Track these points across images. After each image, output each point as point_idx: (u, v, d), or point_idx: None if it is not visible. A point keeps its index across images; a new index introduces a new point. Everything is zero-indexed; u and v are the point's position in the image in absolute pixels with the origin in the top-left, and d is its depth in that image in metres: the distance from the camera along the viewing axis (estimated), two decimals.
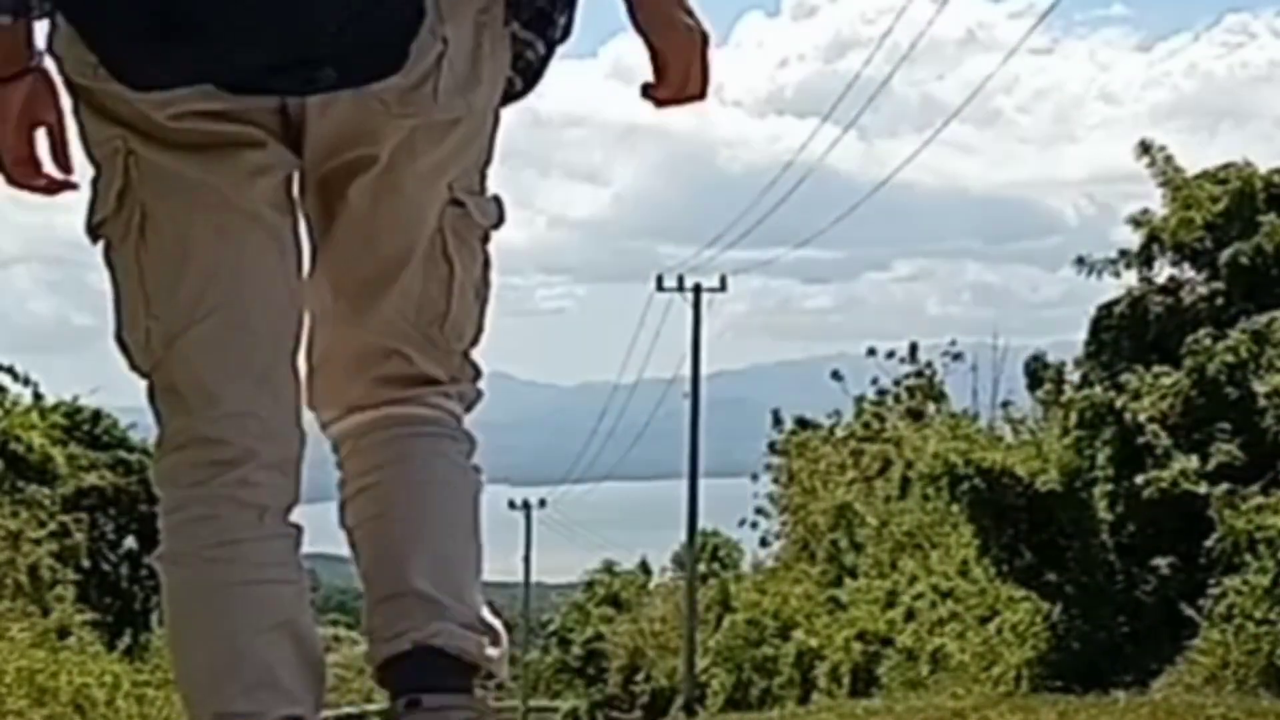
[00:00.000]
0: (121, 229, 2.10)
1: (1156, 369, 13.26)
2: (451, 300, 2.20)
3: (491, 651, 2.17)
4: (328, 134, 2.05)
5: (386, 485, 2.20)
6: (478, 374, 2.31)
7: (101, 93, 2.02)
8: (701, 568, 34.42)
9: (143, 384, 2.16)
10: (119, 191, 2.07)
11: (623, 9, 2.13)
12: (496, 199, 2.22)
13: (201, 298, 2.06)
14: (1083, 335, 14.60)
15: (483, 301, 2.27)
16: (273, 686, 2.05)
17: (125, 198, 2.07)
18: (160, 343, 2.10)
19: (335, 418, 2.26)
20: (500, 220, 2.24)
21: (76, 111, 2.08)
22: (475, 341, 2.29)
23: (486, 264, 2.26)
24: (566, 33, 2.21)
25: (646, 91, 2.16)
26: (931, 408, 26.40)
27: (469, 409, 2.30)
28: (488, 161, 2.21)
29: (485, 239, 2.25)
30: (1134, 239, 14.45)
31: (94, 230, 2.13)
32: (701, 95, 2.16)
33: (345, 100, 2.01)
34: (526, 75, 2.21)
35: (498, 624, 2.20)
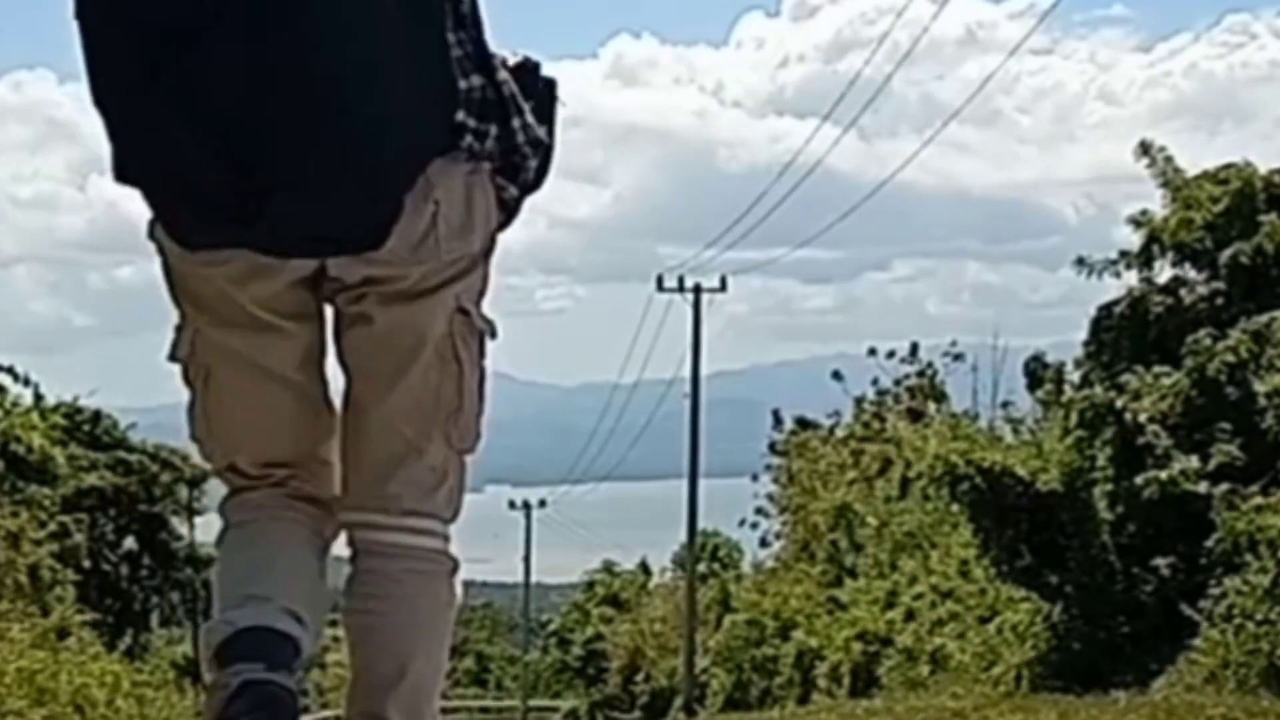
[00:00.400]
0: (193, 374, 2.78)
1: (1156, 369, 13.26)
2: (463, 397, 2.74)
3: None
4: (356, 279, 2.63)
5: (382, 625, 2.74)
6: (459, 510, 2.82)
7: (180, 267, 2.66)
8: (701, 568, 34.40)
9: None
10: (189, 353, 2.76)
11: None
12: (490, 321, 2.77)
13: (244, 439, 2.79)
14: (1083, 335, 14.61)
15: (480, 411, 2.78)
16: (284, 602, 2.63)
17: (193, 359, 2.75)
18: (219, 457, 2.84)
19: (354, 515, 2.79)
20: (494, 334, 2.77)
21: (166, 272, 2.70)
22: (473, 448, 2.80)
23: (483, 377, 2.78)
24: (538, 180, 2.74)
25: None
26: (932, 408, 26.41)
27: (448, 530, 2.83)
28: (484, 288, 2.75)
29: (482, 349, 2.77)
30: (1134, 239, 14.46)
31: (174, 360, 2.80)
32: None
33: (364, 258, 2.59)
34: (505, 209, 2.72)
35: None
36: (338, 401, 2.81)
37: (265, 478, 2.81)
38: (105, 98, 2.52)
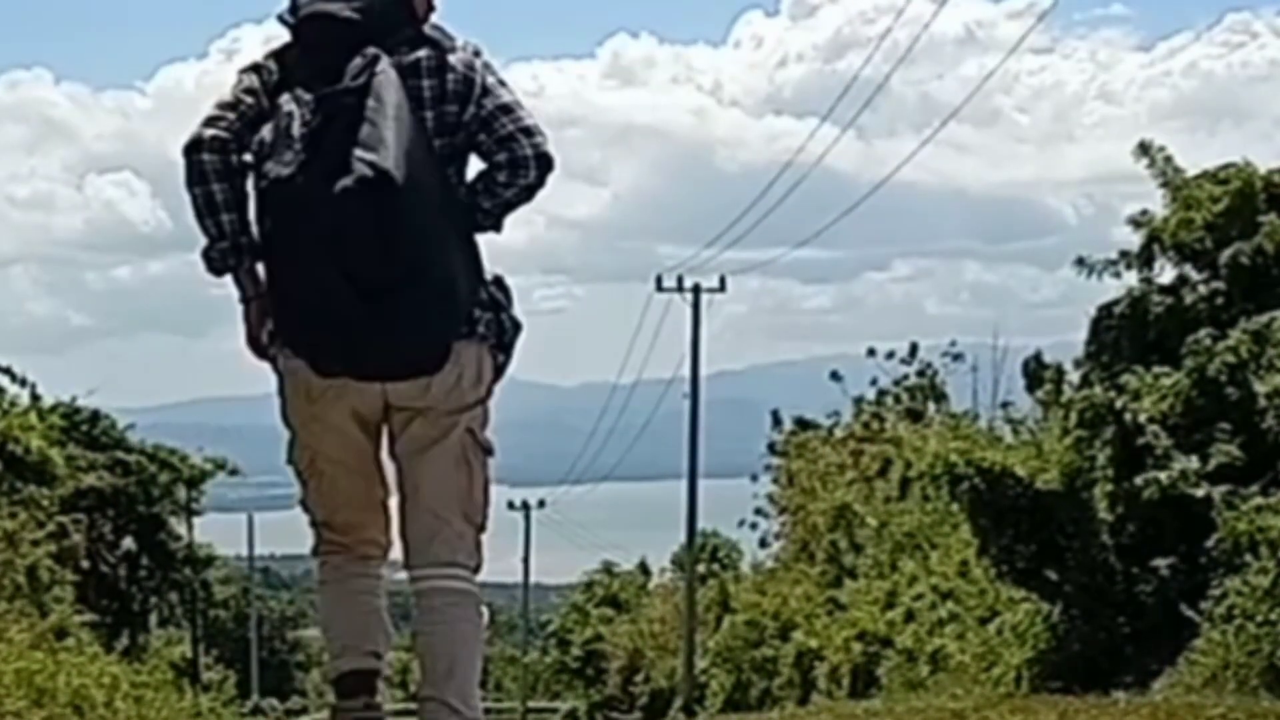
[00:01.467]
0: (303, 464, 4.29)
1: (1156, 369, 13.23)
2: (473, 488, 4.20)
3: None
4: (406, 402, 4.12)
5: (437, 639, 4.18)
6: (480, 565, 4.27)
7: (309, 394, 4.14)
8: (701, 568, 34.40)
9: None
10: (301, 447, 4.26)
11: None
12: (490, 441, 4.24)
13: (333, 504, 4.31)
14: (1082, 335, 14.58)
15: (487, 501, 4.25)
16: (369, 647, 4.30)
17: (303, 451, 4.27)
18: (318, 515, 4.35)
19: (414, 571, 4.22)
20: (491, 452, 4.25)
21: (288, 404, 4.22)
22: (484, 527, 4.26)
23: (487, 480, 4.26)
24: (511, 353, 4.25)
25: None
26: (931, 408, 26.40)
27: (478, 572, 4.27)
28: (486, 420, 4.23)
29: (485, 463, 4.22)
30: (1134, 239, 14.43)
31: (290, 463, 4.34)
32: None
33: (416, 390, 4.10)
34: (497, 369, 4.19)
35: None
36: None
37: (343, 537, 4.34)
38: (283, 332, 4.11)
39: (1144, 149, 14.54)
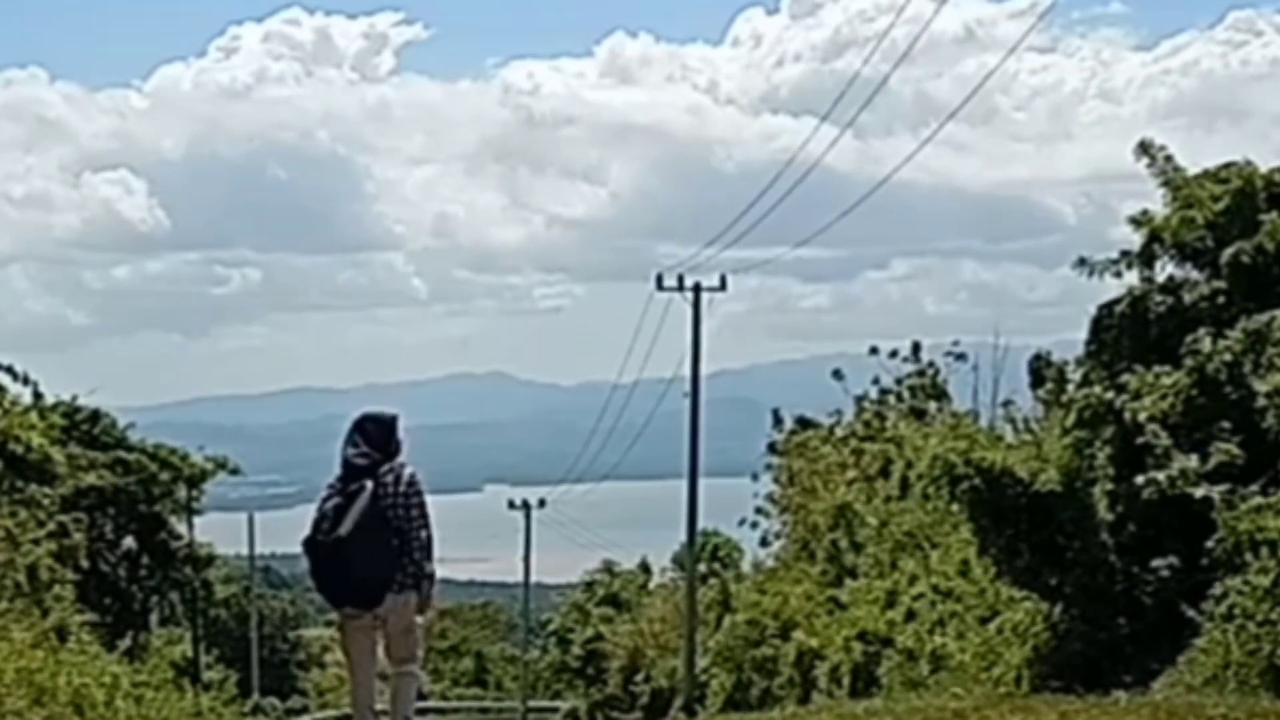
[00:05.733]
0: (342, 637, 10.09)
1: (1157, 369, 13.23)
2: (414, 634, 9.69)
3: None
4: (382, 611, 9.60)
5: (398, 695, 9.77)
6: (418, 657, 10.03)
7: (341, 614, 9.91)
8: (701, 568, 34.39)
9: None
10: (340, 629, 10.08)
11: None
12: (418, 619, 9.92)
13: (354, 663, 9.84)
14: (1082, 334, 14.58)
15: (419, 632, 9.90)
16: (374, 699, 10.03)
17: (341, 630, 9.99)
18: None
19: (392, 665, 9.74)
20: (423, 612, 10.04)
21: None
22: (420, 642, 10.07)
23: (417, 626, 9.82)
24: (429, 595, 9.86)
25: None
26: (933, 407, 26.40)
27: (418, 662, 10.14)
28: (424, 607, 9.78)
29: (418, 624, 9.78)
30: (1133, 239, 14.43)
31: (341, 639, 10.22)
32: None
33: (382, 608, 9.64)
34: (420, 602, 9.66)
35: None
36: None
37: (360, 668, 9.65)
38: (318, 582, 9.55)
39: (1144, 148, 14.54)
